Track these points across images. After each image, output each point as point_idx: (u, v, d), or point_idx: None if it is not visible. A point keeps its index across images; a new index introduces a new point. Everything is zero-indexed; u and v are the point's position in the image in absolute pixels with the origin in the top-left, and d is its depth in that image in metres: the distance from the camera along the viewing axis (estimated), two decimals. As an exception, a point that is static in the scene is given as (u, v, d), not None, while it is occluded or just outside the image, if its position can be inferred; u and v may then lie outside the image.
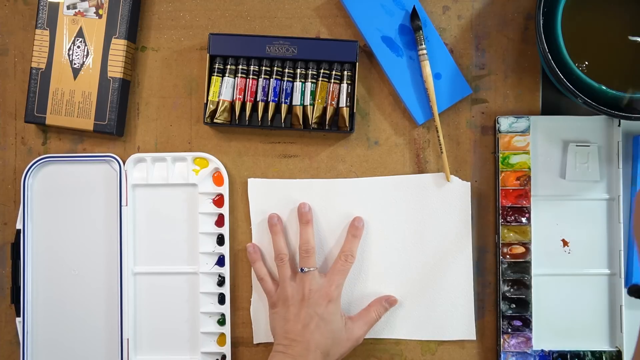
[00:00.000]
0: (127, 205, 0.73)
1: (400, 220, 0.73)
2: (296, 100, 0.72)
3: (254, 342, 0.74)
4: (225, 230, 0.73)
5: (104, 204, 0.74)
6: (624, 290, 0.71)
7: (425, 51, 0.71)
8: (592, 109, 0.65)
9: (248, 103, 0.72)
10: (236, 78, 0.72)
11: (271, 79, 0.72)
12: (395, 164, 0.74)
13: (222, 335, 0.73)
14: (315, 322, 0.67)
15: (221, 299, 0.73)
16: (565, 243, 0.73)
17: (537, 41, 0.66)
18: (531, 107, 0.74)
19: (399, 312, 0.73)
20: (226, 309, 0.73)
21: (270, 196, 0.74)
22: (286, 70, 0.72)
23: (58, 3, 0.72)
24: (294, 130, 0.73)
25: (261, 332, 0.74)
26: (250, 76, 0.72)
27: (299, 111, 0.72)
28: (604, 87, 0.63)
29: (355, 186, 0.74)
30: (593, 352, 0.71)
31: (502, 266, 0.71)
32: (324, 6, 0.74)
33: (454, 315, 0.73)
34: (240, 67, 0.72)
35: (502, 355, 0.71)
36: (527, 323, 0.71)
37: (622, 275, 0.71)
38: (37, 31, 0.72)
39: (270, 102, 0.72)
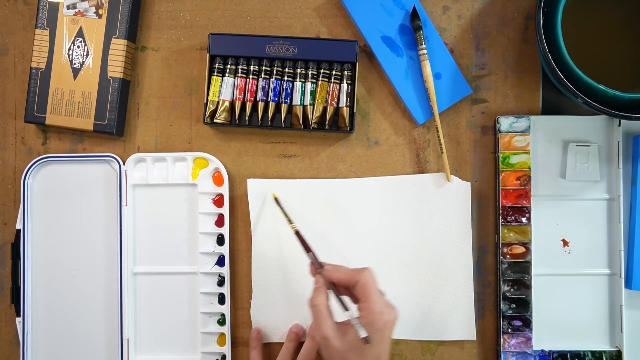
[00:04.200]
0: (127, 205, 0.73)
1: (400, 220, 0.73)
2: (296, 100, 0.72)
3: (254, 342, 0.74)
4: (225, 230, 0.73)
5: (104, 204, 0.74)
6: (623, 290, 0.71)
7: (425, 51, 0.71)
8: (592, 109, 0.65)
9: (248, 103, 0.72)
10: (236, 78, 0.72)
11: (271, 79, 0.72)
12: (395, 164, 0.74)
13: (222, 335, 0.73)
14: None
15: (221, 299, 0.73)
16: (565, 243, 0.73)
17: (537, 41, 0.66)
18: (531, 107, 0.74)
19: (400, 312, 0.73)
20: (226, 309, 0.73)
21: (270, 196, 0.74)
22: (286, 70, 0.72)
23: (58, 3, 0.72)
24: (294, 130, 0.73)
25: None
26: (250, 76, 0.72)
27: (299, 111, 0.72)
28: (603, 87, 0.63)
29: (355, 186, 0.74)
30: (593, 352, 0.71)
31: (502, 266, 0.71)
32: (324, 6, 0.74)
33: (454, 315, 0.73)
34: (240, 67, 0.72)
35: (502, 355, 0.71)
36: (527, 323, 0.71)
37: (622, 275, 0.71)
38: (37, 31, 0.72)
39: (270, 102, 0.72)
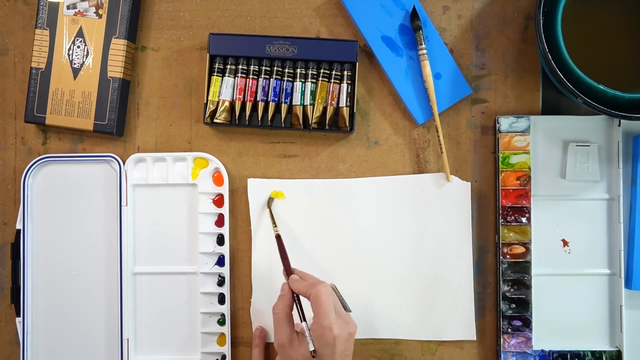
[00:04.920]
0: (127, 205, 0.73)
1: (400, 220, 0.73)
2: (296, 100, 0.72)
3: (254, 342, 0.74)
4: (225, 230, 0.73)
5: (104, 204, 0.74)
6: (623, 290, 0.71)
7: (425, 51, 0.71)
8: (592, 109, 0.65)
9: (248, 103, 0.72)
10: (236, 78, 0.72)
11: (271, 79, 0.72)
12: (395, 164, 0.74)
13: (222, 335, 0.73)
14: None
15: (221, 299, 0.73)
16: (565, 243, 0.73)
17: (537, 41, 0.66)
18: (531, 107, 0.74)
19: (400, 312, 0.73)
20: (226, 309, 0.73)
21: (268, 195, 0.74)
22: (286, 70, 0.72)
23: (58, 3, 0.72)
24: (294, 130, 0.73)
25: (261, 332, 0.74)
26: (250, 76, 0.72)
27: (299, 111, 0.72)
28: (603, 87, 0.63)
29: (355, 186, 0.74)
30: (593, 352, 0.71)
31: (502, 266, 0.71)
32: (324, 6, 0.74)
33: (454, 316, 0.73)
34: (240, 67, 0.72)
35: (502, 355, 0.71)
36: (527, 323, 0.71)
37: (622, 275, 0.71)
38: (37, 31, 0.72)
39: (270, 102, 0.72)
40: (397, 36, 0.72)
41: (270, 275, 0.74)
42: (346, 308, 0.65)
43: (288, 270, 0.68)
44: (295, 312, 0.65)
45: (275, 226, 0.71)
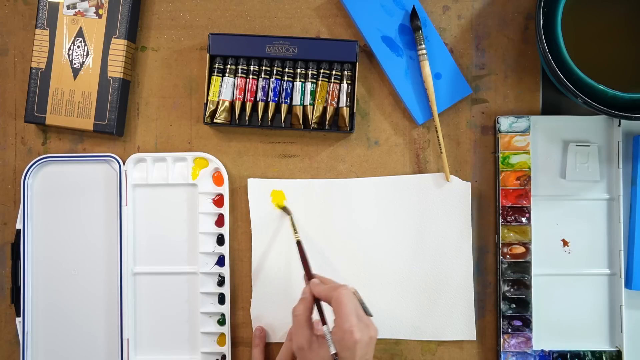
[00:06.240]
0: (127, 205, 0.73)
1: (400, 220, 0.73)
2: (296, 100, 0.72)
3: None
4: (225, 230, 0.73)
5: (104, 204, 0.74)
6: (623, 290, 0.71)
7: (425, 51, 0.71)
8: (592, 109, 0.65)
9: (248, 103, 0.72)
10: (236, 78, 0.72)
11: (271, 79, 0.72)
12: (395, 164, 0.74)
13: (222, 335, 0.73)
14: None
15: (221, 299, 0.73)
16: (565, 243, 0.73)
17: (537, 41, 0.66)
18: (531, 107, 0.74)
19: (400, 312, 0.73)
20: (226, 309, 0.73)
21: (270, 196, 0.74)
22: (286, 70, 0.72)
23: (58, 3, 0.72)
24: (294, 130, 0.73)
25: (261, 332, 0.74)
26: (250, 76, 0.72)
27: (299, 111, 0.72)
28: (603, 87, 0.63)
29: (355, 186, 0.74)
30: (593, 352, 0.71)
31: (502, 266, 0.71)
32: (324, 6, 0.74)
33: (454, 316, 0.73)
34: (240, 67, 0.72)
35: (502, 355, 0.71)
36: (527, 323, 0.71)
37: (622, 275, 0.71)
38: (37, 31, 0.72)
39: (270, 102, 0.72)
40: (397, 36, 0.72)
41: (271, 276, 0.74)
42: (367, 312, 0.64)
43: (309, 275, 0.67)
44: (315, 316, 0.65)
45: (296, 232, 0.71)
